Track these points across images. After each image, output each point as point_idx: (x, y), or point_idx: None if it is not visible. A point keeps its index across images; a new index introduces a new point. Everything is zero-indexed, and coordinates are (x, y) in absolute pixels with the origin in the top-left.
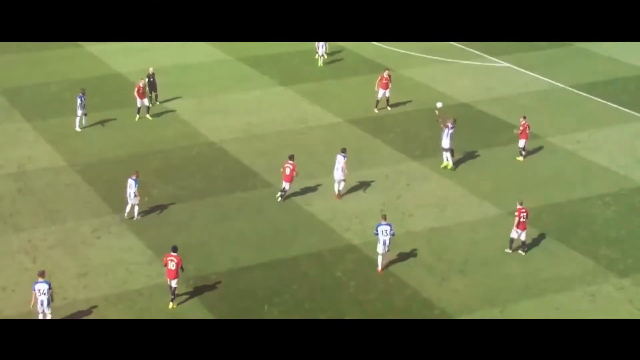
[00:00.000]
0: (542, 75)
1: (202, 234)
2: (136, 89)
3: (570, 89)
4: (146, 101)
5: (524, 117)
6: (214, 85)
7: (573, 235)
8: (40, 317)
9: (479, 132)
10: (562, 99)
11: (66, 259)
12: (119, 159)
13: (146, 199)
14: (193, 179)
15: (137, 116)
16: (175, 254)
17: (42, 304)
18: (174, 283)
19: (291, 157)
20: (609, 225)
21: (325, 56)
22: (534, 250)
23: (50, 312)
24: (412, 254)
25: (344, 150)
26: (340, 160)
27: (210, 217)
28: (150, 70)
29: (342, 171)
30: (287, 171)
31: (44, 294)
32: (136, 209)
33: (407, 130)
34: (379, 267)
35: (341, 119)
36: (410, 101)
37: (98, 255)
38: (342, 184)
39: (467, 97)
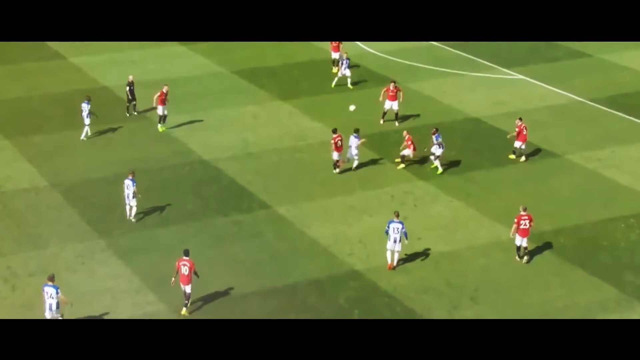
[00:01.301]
0: (559, 88)
1: (194, 259)
2: (158, 95)
3: (589, 102)
4: (162, 110)
5: (520, 119)
6: (207, 99)
7: (594, 260)
8: (48, 317)
9: (491, 149)
10: (581, 114)
11: None
12: (105, 179)
13: (133, 221)
14: (184, 200)
15: (160, 125)
16: (187, 258)
17: (50, 308)
18: (187, 289)
19: (335, 131)
20: (633, 249)
21: (349, 73)
22: (552, 276)
23: (59, 316)
24: (420, 279)
25: (356, 131)
26: (353, 141)
27: (203, 241)
28: (130, 78)
29: (355, 149)
30: (339, 143)
31: (52, 297)
32: (134, 210)
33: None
34: (389, 263)
35: (343, 136)
36: (417, 116)
37: (82, 282)
38: (356, 162)
39: (478, 111)
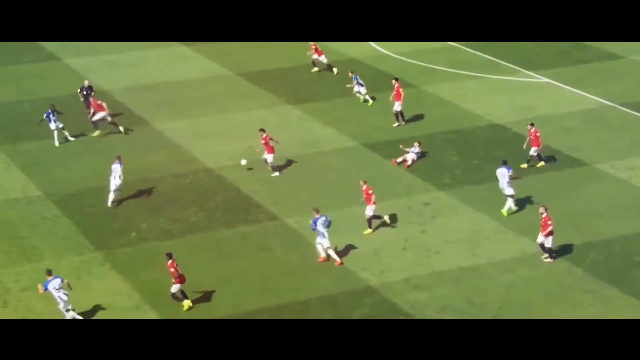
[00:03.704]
0: (589, 92)
1: (197, 274)
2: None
3: (621, 107)
4: (102, 115)
5: (532, 124)
6: (210, 104)
7: (627, 276)
8: (68, 316)
9: (515, 158)
10: (612, 120)
11: (41, 303)
12: (102, 188)
13: (133, 234)
14: (187, 211)
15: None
16: None
17: (61, 300)
18: None
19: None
20: None
21: (363, 95)
22: (581, 294)
23: (71, 308)
24: (439, 297)
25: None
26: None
27: (207, 255)
28: (86, 83)
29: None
30: (270, 143)
31: (60, 288)
32: (111, 195)
33: (432, 155)
34: (322, 257)
35: (357, 143)
36: (434, 122)
37: (78, 298)
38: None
39: (502, 117)
